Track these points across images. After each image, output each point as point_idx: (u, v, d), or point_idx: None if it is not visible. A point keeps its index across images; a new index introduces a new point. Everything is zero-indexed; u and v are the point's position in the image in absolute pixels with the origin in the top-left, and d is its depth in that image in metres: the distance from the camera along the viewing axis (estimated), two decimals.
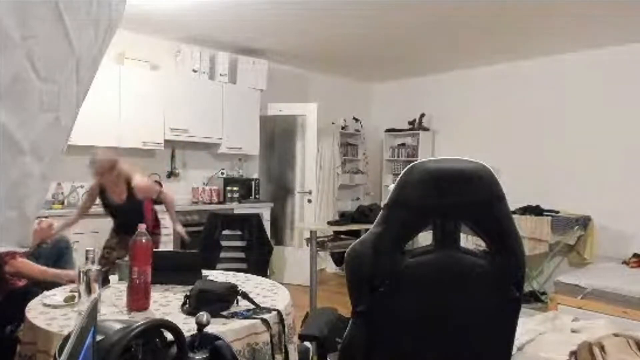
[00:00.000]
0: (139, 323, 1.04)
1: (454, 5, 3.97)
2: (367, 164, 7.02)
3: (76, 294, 1.87)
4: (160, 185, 4.33)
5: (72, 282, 2.21)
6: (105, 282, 2.17)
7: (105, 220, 3.52)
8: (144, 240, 1.90)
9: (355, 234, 4.12)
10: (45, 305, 1.93)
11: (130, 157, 4.67)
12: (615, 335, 2.32)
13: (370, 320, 1.34)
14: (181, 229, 3.72)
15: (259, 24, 4.63)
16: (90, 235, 3.90)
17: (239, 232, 3.78)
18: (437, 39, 4.99)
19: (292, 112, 5.95)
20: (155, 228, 3.63)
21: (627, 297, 3.58)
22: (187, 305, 1.88)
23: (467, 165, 1.33)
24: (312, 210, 5.94)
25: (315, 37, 5.01)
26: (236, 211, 5.03)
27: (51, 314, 1.84)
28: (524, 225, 4.55)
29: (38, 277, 2.51)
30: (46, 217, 3.14)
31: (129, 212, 3.31)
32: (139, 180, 3.25)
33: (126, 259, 2.14)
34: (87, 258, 1.75)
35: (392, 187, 1.34)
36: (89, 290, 1.71)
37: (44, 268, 2.59)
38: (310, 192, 5.92)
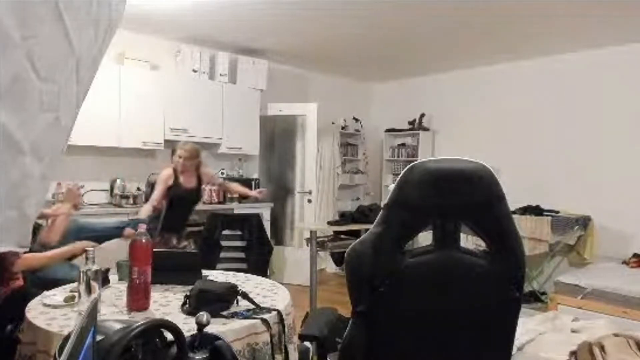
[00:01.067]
0: (139, 323, 1.04)
1: (454, 5, 3.97)
2: (367, 164, 7.02)
3: (76, 294, 1.87)
4: None
5: (85, 250, 2.22)
6: (105, 282, 2.17)
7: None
8: (143, 240, 1.90)
9: (355, 234, 4.12)
10: (45, 305, 1.93)
11: (130, 157, 4.68)
12: (615, 335, 2.32)
13: (370, 320, 1.34)
14: (253, 192, 4.12)
15: (258, 24, 4.63)
16: None
17: (239, 232, 3.79)
18: (437, 39, 4.99)
19: (292, 112, 5.95)
20: None
21: (627, 297, 3.58)
22: (187, 305, 1.88)
23: (467, 165, 1.33)
24: (312, 210, 5.94)
25: (315, 37, 5.01)
26: (236, 211, 5.03)
27: (51, 314, 1.84)
28: (524, 225, 4.55)
29: (49, 263, 2.50)
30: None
31: (191, 199, 3.66)
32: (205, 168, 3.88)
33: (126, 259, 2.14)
34: (87, 258, 1.75)
35: (392, 187, 1.34)
36: (89, 290, 1.70)
37: (50, 253, 2.54)
38: (310, 192, 5.92)
